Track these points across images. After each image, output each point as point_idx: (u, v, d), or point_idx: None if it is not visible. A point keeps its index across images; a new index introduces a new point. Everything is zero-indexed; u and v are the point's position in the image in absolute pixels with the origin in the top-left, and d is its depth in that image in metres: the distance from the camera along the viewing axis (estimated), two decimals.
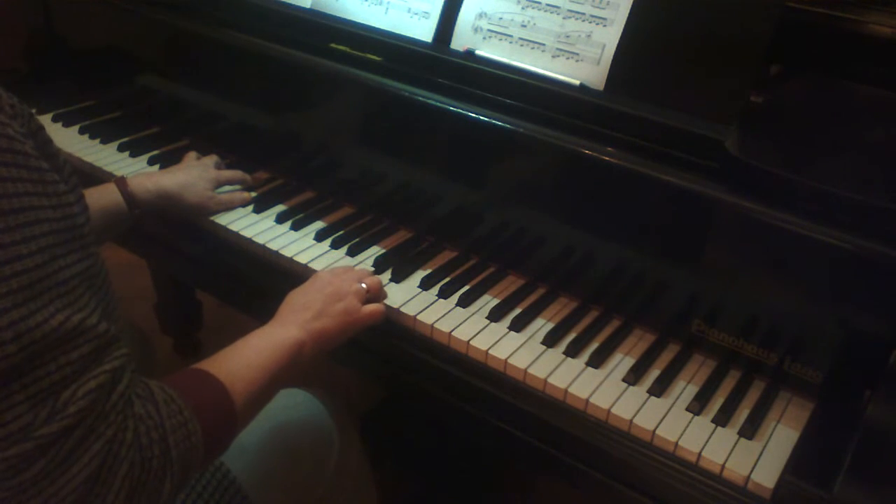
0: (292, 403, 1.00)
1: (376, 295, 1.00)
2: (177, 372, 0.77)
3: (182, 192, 1.13)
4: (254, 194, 1.21)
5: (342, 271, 1.00)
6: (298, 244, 1.11)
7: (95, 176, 1.28)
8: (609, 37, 0.99)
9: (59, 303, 0.59)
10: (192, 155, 1.26)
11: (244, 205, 1.18)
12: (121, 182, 1.10)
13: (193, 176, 1.16)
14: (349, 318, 0.93)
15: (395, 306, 1.00)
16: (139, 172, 1.21)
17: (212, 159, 1.24)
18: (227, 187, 1.21)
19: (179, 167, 1.21)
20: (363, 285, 0.97)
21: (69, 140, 1.35)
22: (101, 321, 0.62)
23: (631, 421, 0.86)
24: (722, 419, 0.87)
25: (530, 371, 0.91)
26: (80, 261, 0.62)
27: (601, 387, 0.90)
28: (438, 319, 0.98)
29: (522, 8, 1.05)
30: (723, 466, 0.81)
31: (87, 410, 0.59)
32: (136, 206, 1.10)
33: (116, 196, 1.09)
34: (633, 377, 0.92)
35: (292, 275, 1.06)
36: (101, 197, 1.08)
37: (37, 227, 0.58)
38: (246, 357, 0.82)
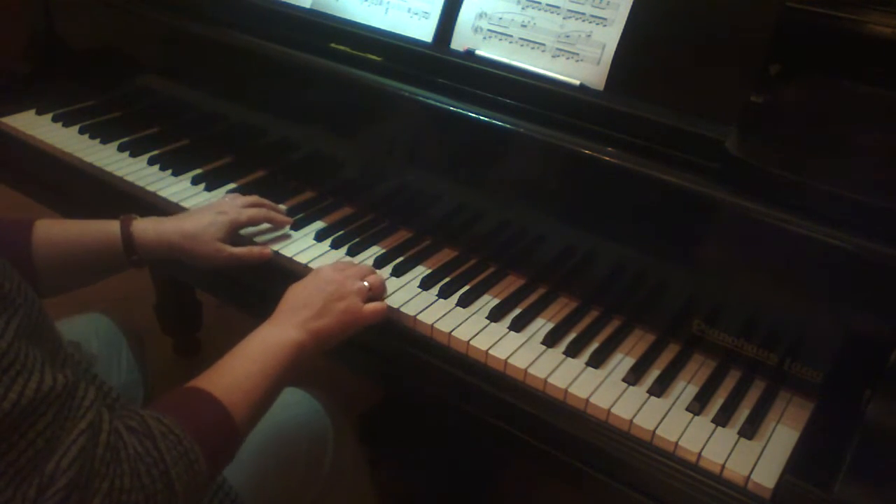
0: (287, 402, 1.00)
1: (379, 293, 0.99)
2: (173, 391, 0.76)
3: (185, 243, 1.01)
4: (274, 249, 1.08)
5: (344, 267, 0.99)
6: (298, 244, 1.11)
7: (95, 176, 1.28)
8: (609, 37, 0.99)
9: (7, 379, 0.55)
10: (226, 197, 1.12)
11: (262, 260, 1.06)
12: (125, 220, 1.01)
13: (203, 223, 1.03)
14: (350, 318, 0.93)
15: (395, 306, 1.00)
16: (149, 218, 1.05)
17: (244, 199, 1.09)
18: (251, 228, 1.11)
19: (192, 212, 1.08)
20: (365, 284, 0.97)
21: (69, 140, 1.34)
22: (54, 374, 0.58)
23: (631, 421, 0.86)
24: (722, 419, 0.87)
25: (530, 371, 0.91)
26: (9, 322, 0.57)
27: (601, 387, 0.90)
28: (438, 319, 0.98)
29: (522, 8, 1.05)
30: (723, 466, 0.81)
31: (77, 477, 0.57)
32: (133, 252, 1.00)
33: (114, 234, 1.00)
34: (633, 377, 0.92)
35: (292, 275, 1.06)
36: (98, 230, 1.00)
37: None
38: (244, 367, 0.81)
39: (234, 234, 1.06)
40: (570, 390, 0.89)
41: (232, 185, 1.24)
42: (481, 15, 1.08)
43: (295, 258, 1.08)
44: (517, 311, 1.01)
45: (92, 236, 1.00)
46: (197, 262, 1.03)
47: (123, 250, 1.00)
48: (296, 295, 0.93)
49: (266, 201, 1.13)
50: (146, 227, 1.01)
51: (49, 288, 0.96)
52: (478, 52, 1.07)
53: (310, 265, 1.07)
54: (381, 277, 1.01)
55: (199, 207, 1.11)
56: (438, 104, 1.04)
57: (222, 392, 0.76)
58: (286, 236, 1.12)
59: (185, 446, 0.67)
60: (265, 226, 1.12)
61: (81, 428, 0.59)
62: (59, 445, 0.58)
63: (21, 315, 0.58)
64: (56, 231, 0.98)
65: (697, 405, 0.88)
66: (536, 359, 0.93)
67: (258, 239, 1.11)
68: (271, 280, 1.06)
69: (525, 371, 0.91)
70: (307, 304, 0.91)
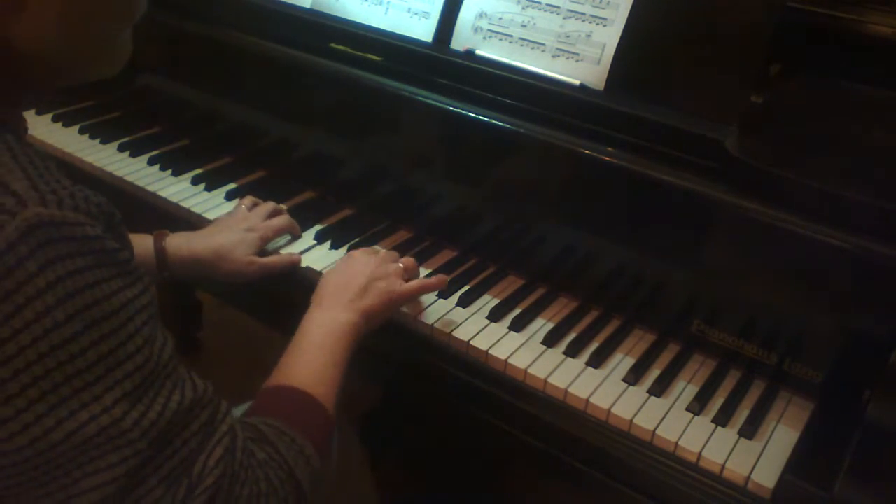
0: None
1: (413, 274, 1.00)
2: (260, 395, 0.76)
3: (217, 262, 1.01)
4: (303, 258, 1.08)
5: (375, 251, 1.00)
6: (298, 244, 1.11)
7: (95, 176, 1.28)
8: (609, 37, 0.99)
9: (170, 384, 0.59)
10: (244, 204, 1.10)
11: (293, 266, 1.06)
12: (158, 236, 1.01)
13: (234, 241, 1.02)
14: (393, 296, 0.93)
15: None
16: (179, 234, 1.04)
17: (265, 208, 1.10)
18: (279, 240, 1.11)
19: (220, 228, 1.06)
20: (400, 265, 0.98)
21: (69, 140, 1.34)
22: (203, 380, 0.62)
23: (631, 421, 0.86)
24: (722, 419, 0.87)
25: (530, 371, 0.91)
26: (164, 334, 0.61)
27: (601, 387, 0.90)
28: (438, 319, 0.98)
29: (522, 8, 1.05)
30: (723, 466, 0.81)
31: (222, 478, 0.60)
32: (165, 269, 1.01)
33: (148, 250, 1.00)
34: (633, 377, 0.92)
35: (292, 275, 1.06)
36: (134, 245, 1.01)
37: (137, 318, 0.57)
38: (318, 358, 0.81)
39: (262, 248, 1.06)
40: (570, 390, 0.89)
41: (232, 185, 1.24)
42: (481, 15, 1.08)
43: None
44: (517, 311, 1.01)
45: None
46: (228, 278, 1.03)
47: (157, 267, 1.00)
48: (335, 280, 0.93)
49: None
50: (179, 245, 1.01)
51: None
52: (478, 52, 1.07)
53: (311, 266, 1.06)
54: (413, 259, 1.01)
55: (223, 220, 1.09)
56: (438, 104, 1.04)
57: (310, 386, 0.77)
58: (286, 237, 1.12)
59: (298, 444, 0.69)
60: None
61: (224, 430, 0.62)
62: (206, 446, 0.60)
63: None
64: None
65: (697, 405, 0.88)
66: (536, 359, 0.93)
67: (275, 240, 1.10)
68: (271, 280, 1.06)
69: (525, 371, 0.91)
70: (350, 285, 0.91)
